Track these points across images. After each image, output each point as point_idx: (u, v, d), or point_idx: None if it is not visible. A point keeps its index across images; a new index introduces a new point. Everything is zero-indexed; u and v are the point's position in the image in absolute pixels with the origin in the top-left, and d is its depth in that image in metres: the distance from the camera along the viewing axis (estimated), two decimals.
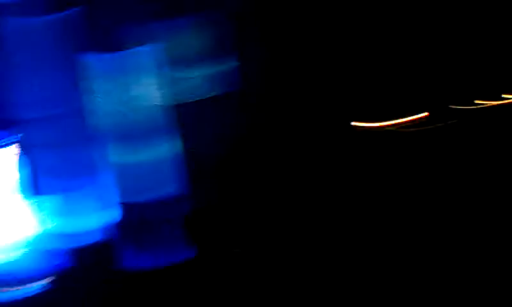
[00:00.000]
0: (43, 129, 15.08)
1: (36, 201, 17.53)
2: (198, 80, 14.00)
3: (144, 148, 13.80)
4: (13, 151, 18.13)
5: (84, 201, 15.47)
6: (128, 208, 13.81)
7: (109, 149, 13.84)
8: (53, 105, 14.69)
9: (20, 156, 17.51)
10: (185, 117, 13.63)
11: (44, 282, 14.06)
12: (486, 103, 14.99)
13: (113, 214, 14.43)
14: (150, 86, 13.75)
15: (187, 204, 13.33)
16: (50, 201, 17.15)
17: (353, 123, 14.08)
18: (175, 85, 13.79)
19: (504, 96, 15.10)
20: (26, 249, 17.29)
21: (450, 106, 14.59)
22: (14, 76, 14.88)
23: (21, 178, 16.78)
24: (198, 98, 13.80)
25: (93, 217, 15.09)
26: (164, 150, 13.75)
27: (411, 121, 14.28)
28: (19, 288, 14.43)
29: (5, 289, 14.85)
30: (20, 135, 17.59)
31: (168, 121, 13.68)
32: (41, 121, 14.96)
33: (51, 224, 17.20)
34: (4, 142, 18.55)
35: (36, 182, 16.57)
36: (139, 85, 13.79)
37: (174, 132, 13.63)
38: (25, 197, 16.97)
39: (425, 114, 14.25)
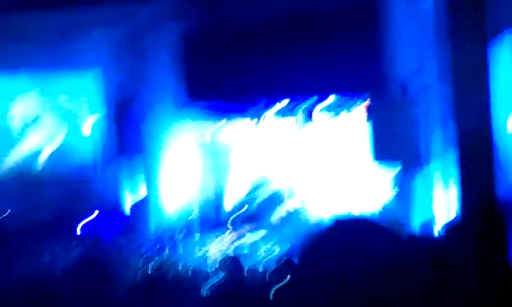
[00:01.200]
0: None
1: (384, 168, 16.28)
2: None
3: None
4: (362, 114, 16.49)
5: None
6: None
7: None
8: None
9: (367, 120, 16.30)
10: None
11: None
12: None
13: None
14: None
15: None
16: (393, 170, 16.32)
17: None
18: None
19: None
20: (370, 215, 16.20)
21: None
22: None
23: (370, 142, 16.04)
24: None
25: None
26: None
27: None
28: None
29: None
30: (368, 98, 16.27)
31: None
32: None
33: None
34: (353, 104, 16.60)
35: (380, 149, 16.07)
36: None
37: None
38: (373, 162, 16.18)
39: None
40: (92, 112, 20.23)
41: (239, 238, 17.65)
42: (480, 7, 13.90)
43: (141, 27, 19.03)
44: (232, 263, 10.35)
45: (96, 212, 18.79)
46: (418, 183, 16.00)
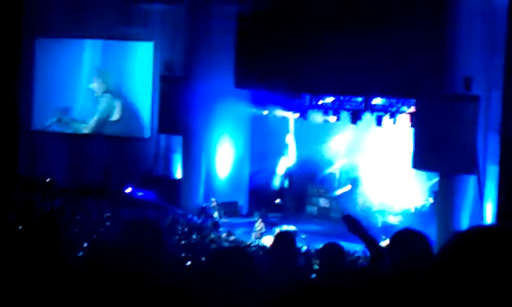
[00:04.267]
0: None
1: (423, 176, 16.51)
2: None
3: None
4: (406, 122, 16.48)
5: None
6: None
7: None
8: None
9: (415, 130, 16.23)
10: None
11: None
12: None
13: None
14: None
15: None
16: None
17: None
18: None
19: None
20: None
21: None
22: None
23: (413, 149, 16.02)
24: None
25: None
26: None
27: None
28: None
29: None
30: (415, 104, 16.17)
31: None
32: None
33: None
34: (397, 109, 16.53)
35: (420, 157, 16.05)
36: None
37: None
38: (413, 169, 16.25)
39: None
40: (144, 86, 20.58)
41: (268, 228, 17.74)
42: None
43: (196, 8, 19.28)
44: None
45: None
46: (458, 193, 16.21)
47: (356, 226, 5.73)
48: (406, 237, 4.83)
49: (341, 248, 6.11)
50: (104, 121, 20.94)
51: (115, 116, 20.89)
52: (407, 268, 4.56)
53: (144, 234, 4.46)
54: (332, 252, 6.06)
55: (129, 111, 20.79)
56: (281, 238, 6.07)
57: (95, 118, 21.01)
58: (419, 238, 4.79)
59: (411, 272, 4.40)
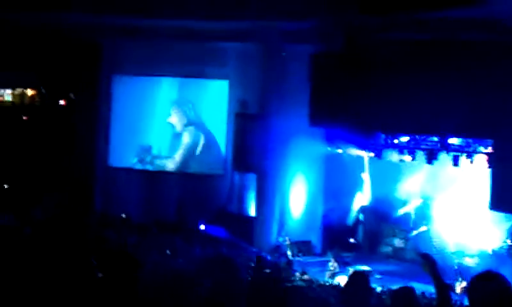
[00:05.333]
0: None
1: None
2: None
3: None
4: (483, 162, 16.42)
5: None
6: None
7: None
8: None
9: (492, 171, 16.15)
10: None
11: None
12: None
13: None
14: None
15: None
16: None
17: None
18: None
19: None
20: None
21: None
22: None
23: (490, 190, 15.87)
24: None
25: None
26: None
27: None
28: None
29: None
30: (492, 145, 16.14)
31: None
32: None
33: None
34: (474, 149, 16.53)
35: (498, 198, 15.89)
36: None
37: None
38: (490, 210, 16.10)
39: None
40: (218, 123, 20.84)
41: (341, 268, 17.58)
42: None
43: (270, 46, 19.41)
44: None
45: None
46: None
47: (431, 267, 5.66)
48: (486, 280, 4.77)
49: (413, 291, 6.08)
50: (189, 156, 21.16)
51: (199, 150, 21.11)
52: None
53: (222, 270, 4.48)
54: (404, 295, 6.03)
55: (208, 147, 21.00)
56: (355, 277, 6.02)
57: (180, 152, 21.27)
58: (500, 282, 4.72)
59: None
